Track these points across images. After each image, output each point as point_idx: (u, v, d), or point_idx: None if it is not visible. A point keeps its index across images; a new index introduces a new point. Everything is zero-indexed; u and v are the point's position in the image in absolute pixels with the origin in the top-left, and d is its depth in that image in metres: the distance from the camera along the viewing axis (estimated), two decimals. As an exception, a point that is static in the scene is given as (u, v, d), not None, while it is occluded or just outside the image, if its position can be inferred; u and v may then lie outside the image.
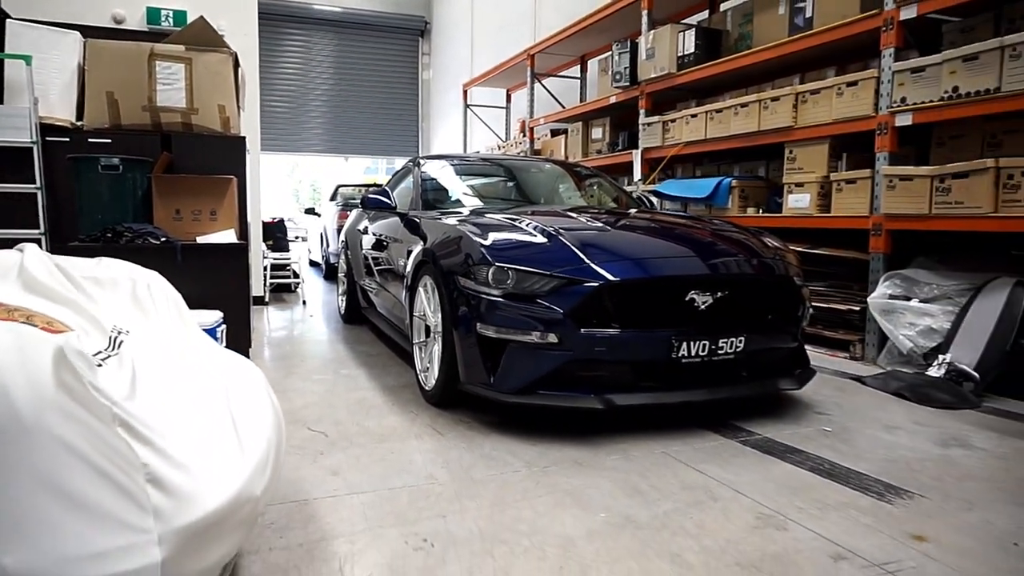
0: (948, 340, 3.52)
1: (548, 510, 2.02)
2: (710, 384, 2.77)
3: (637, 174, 6.13)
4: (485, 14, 11.66)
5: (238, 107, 4.39)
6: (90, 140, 3.98)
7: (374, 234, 4.51)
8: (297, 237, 9.66)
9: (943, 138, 4.02)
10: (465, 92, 10.88)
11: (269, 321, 5.80)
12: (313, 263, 11.01)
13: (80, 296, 1.64)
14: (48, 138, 3.96)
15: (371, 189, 4.83)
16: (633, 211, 4.01)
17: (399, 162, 9.90)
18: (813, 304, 4.38)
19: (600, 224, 3.23)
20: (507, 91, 10.43)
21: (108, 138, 4.01)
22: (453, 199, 4.34)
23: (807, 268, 4.46)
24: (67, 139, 3.99)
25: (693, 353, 2.65)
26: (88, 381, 0.97)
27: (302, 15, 13.57)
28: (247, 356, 2.65)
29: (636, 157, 6.16)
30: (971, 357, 3.38)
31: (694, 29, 5.56)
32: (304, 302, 6.97)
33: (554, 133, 8.24)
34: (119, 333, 1.55)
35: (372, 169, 20.40)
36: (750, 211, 5.02)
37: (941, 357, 3.48)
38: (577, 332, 2.58)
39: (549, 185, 4.71)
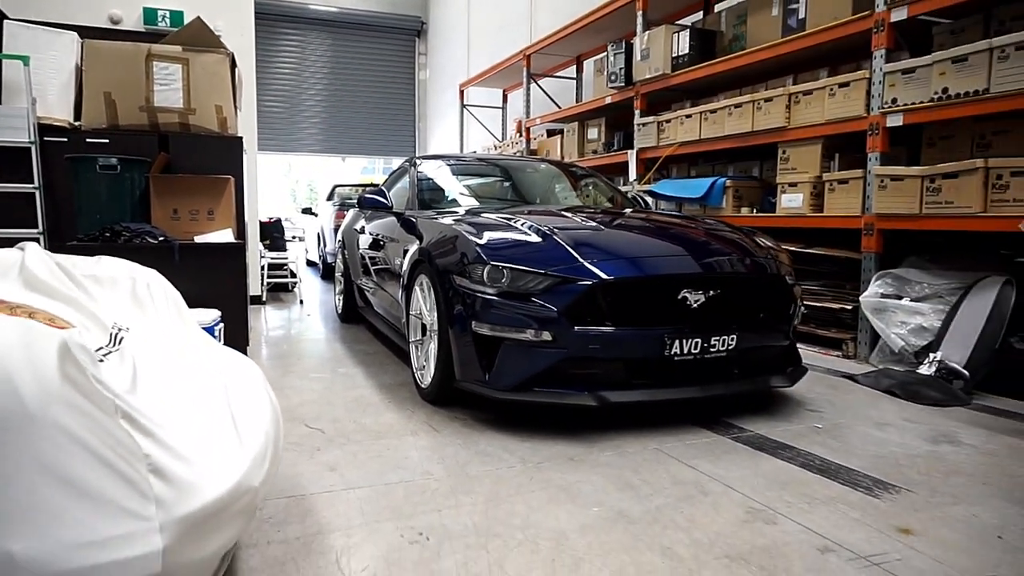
0: (939, 338, 3.57)
1: (542, 505, 2.05)
2: (703, 381, 2.80)
3: (632, 174, 6.17)
4: (482, 15, 11.70)
5: (235, 107, 4.41)
6: (88, 140, 4.01)
7: (371, 234, 4.54)
8: (294, 237, 9.68)
9: (934, 139, 4.06)
10: (461, 92, 10.91)
11: (267, 320, 5.83)
12: (310, 263, 11.03)
13: (80, 294, 1.67)
14: (46, 138, 3.98)
15: (368, 189, 4.85)
16: (628, 211, 4.04)
17: (396, 162, 9.93)
18: (806, 303, 4.43)
19: (594, 224, 3.26)
20: (503, 91, 10.47)
21: (106, 138, 4.03)
22: (449, 199, 4.37)
23: (800, 267, 4.51)
24: (65, 139, 4.01)
25: (686, 351, 2.69)
26: (92, 374, 1.00)
27: (298, 15, 13.59)
28: (245, 355, 2.68)
29: (631, 157, 6.20)
30: (961, 355, 3.42)
31: (689, 30, 5.60)
32: (301, 301, 7.00)
33: (550, 133, 8.28)
34: (119, 330, 1.58)
35: (369, 169, 20.44)
36: (744, 211, 5.06)
37: (932, 355, 3.52)
38: (571, 330, 2.61)
39: (545, 185, 4.75)
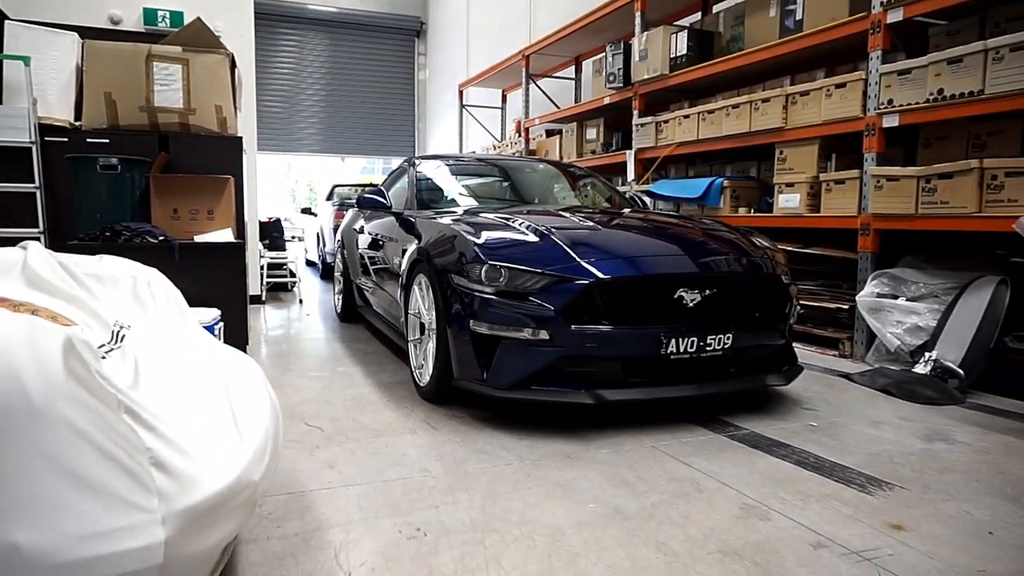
0: (934, 338, 3.59)
1: (539, 501, 2.08)
2: (699, 380, 2.83)
3: (631, 174, 6.20)
4: (481, 15, 11.72)
5: (235, 107, 4.43)
6: (88, 140, 4.03)
7: (370, 233, 4.56)
8: (294, 237, 9.70)
9: (930, 139, 4.08)
10: (461, 92, 10.94)
11: (266, 320, 5.85)
12: (310, 263, 11.05)
13: (82, 292, 1.69)
14: (47, 138, 4.00)
15: (367, 189, 4.87)
16: (626, 211, 4.07)
17: (395, 162, 9.95)
18: (803, 303, 4.45)
19: (592, 223, 3.29)
20: (503, 91, 10.49)
21: (106, 138, 4.05)
22: (448, 199, 4.39)
23: (797, 267, 4.54)
24: (66, 139, 4.03)
25: (682, 349, 2.71)
26: (95, 370, 1.03)
27: (298, 15, 13.61)
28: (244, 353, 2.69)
29: (630, 157, 6.22)
30: (956, 354, 3.45)
31: (687, 31, 5.63)
32: (301, 301, 7.02)
33: (549, 133, 8.30)
34: (121, 328, 1.60)
35: (368, 169, 20.45)
36: (741, 211, 5.09)
37: (927, 354, 3.55)
38: (568, 329, 2.63)
39: (543, 185, 4.77)
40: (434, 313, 3.04)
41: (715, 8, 6.03)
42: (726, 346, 2.79)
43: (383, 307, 4.27)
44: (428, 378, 3.13)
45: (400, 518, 1.95)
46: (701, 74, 5.39)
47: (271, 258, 7.20)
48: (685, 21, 6.38)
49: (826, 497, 2.13)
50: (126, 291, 1.88)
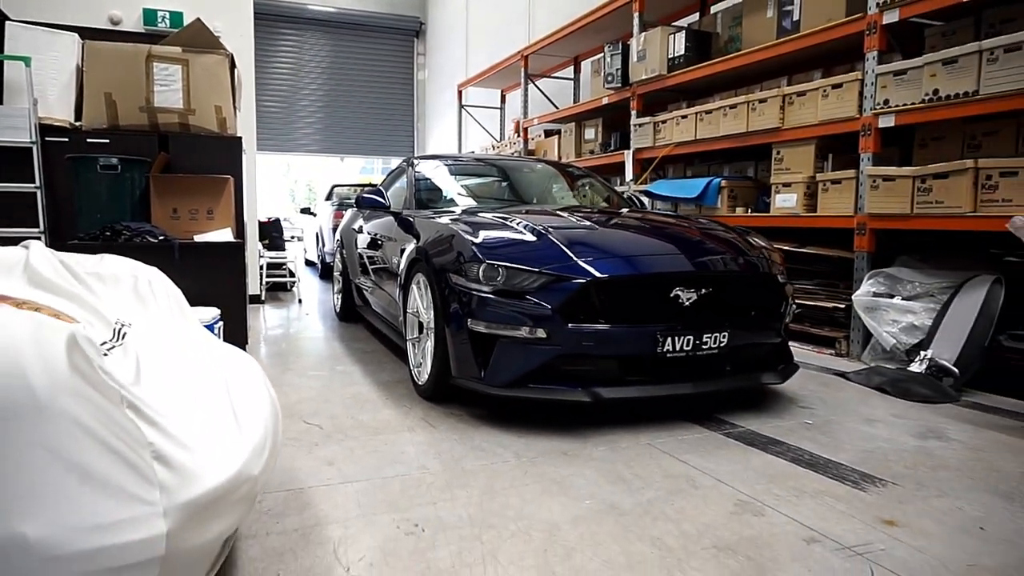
0: (929, 336, 3.61)
1: (535, 497, 2.10)
2: (695, 378, 2.85)
3: (629, 174, 6.22)
4: (480, 15, 11.74)
5: (234, 108, 4.46)
6: (88, 140, 4.05)
7: (369, 233, 4.59)
8: (293, 237, 9.72)
9: (925, 139, 4.11)
10: (460, 92, 10.96)
11: (265, 319, 5.87)
12: (309, 262, 11.07)
13: (84, 291, 1.71)
14: (47, 138, 4.02)
15: (366, 189, 4.90)
16: (623, 211, 4.09)
17: (395, 162, 9.97)
18: (800, 302, 4.48)
19: (589, 223, 3.31)
20: (502, 92, 10.51)
21: (106, 138, 4.07)
22: (446, 198, 4.41)
23: (795, 267, 4.57)
24: (66, 139, 4.06)
25: (678, 348, 2.73)
26: (98, 365, 1.05)
27: (297, 15, 13.63)
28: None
29: (628, 157, 6.24)
30: (951, 353, 3.47)
31: (684, 31, 5.65)
32: (300, 300, 7.04)
33: (548, 133, 8.33)
34: (122, 326, 1.62)
35: (368, 169, 20.47)
36: (739, 211, 5.11)
37: (923, 353, 3.57)
38: (565, 327, 2.65)
39: (541, 185, 4.79)
40: (432, 312, 3.06)
41: (713, 9, 6.05)
42: (722, 344, 2.81)
43: (382, 306, 4.29)
44: (426, 376, 3.15)
45: (398, 514, 1.97)
46: (699, 74, 5.42)
47: (270, 258, 7.22)
48: (683, 22, 6.41)
49: (820, 493, 2.15)
50: (127, 290, 1.90)
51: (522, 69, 8.58)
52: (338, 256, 5.69)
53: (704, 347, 2.78)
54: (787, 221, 4.62)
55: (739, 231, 3.45)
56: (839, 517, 1.98)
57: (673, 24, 6.16)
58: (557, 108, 8.32)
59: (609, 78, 6.41)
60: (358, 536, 1.84)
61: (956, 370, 3.40)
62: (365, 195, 4.30)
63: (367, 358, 4.20)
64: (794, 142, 4.60)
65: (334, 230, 7.48)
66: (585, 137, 7.31)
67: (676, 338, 2.72)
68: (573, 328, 2.66)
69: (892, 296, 3.88)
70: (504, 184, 4.76)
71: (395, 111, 14.68)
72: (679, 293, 2.78)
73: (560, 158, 7.52)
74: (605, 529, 1.89)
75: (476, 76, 10.25)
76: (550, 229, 3.04)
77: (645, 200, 5.36)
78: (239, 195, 4.42)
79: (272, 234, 7.58)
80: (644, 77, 5.94)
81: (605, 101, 6.67)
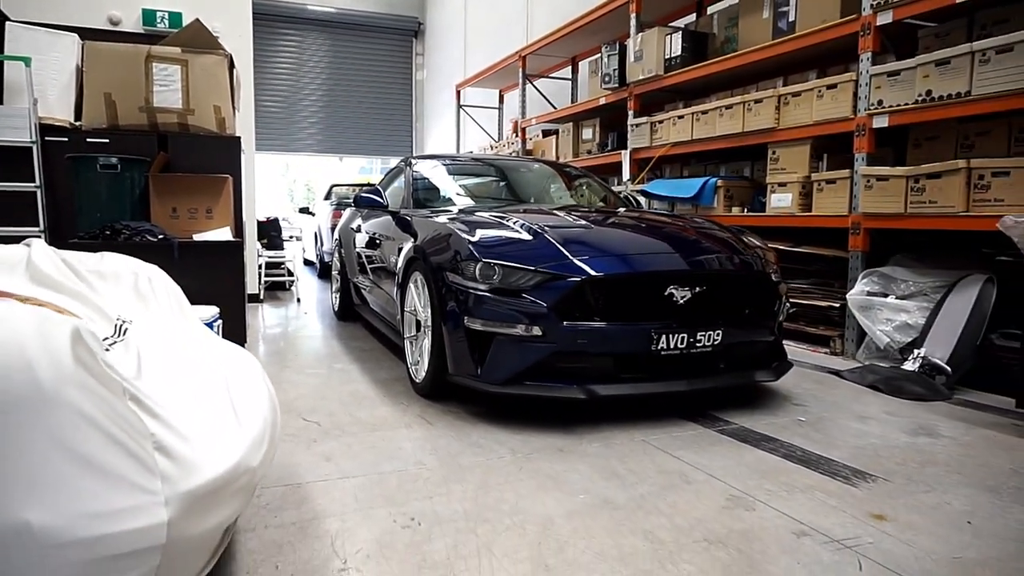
0: (923, 335, 3.65)
1: (530, 492, 2.13)
2: (689, 375, 2.88)
3: (626, 174, 6.25)
4: (478, 15, 11.77)
5: (233, 108, 4.48)
6: (88, 140, 4.08)
7: (367, 232, 4.61)
8: (292, 236, 9.74)
9: (919, 140, 4.14)
10: (458, 92, 10.99)
11: (264, 318, 5.89)
12: (308, 262, 11.10)
13: (85, 288, 1.74)
14: (47, 138, 4.05)
15: (364, 188, 4.93)
16: (620, 210, 4.12)
17: (393, 162, 10.00)
18: (795, 301, 4.51)
19: (585, 222, 3.34)
20: (500, 92, 10.54)
21: (106, 138, 4.10)
22: (444, 198, 4.44)
23: (790, 266, 4.60)
24: (66, 139, 4.08)
25: (672, 345, 2.76)
26: (102, 358, 1.08)
27: (296, 16, 13.65)
28: (243, 348, 2.74)
29: (625, 157, 6.27)
30: (944, 351, 3.50)
31: (681, 32, 5.69)
32: (299, 300, 7.06)
33: (545, 133, 8.36)
34: (123, 322, 1.65)
35: (367, 169, 20.49)
36: (735, 210, 5.14)
37: (916, 351, 3.60)
38: (560, 325, 2.69)
39: (539, 185, 4.82)
40: (429, 310, 3.09)
41: (709, 10, 6.09)
42: (716, 342, 2.85)
43: (380, 305, 4.32)
44: (424, 374, 3.18)
45: (395, 508, 2.00)
46: (695, 75, 5.45)
47: (269, 257, 7.25)
48: (680, 22, 6.44)
49: (811, 488, 2.18)
50: (128, 287, 1.92)
51: (520, 69, 8.62)
52: (336, 255, 5.72)
53: (698, 345, 2.81)
54: (783, 220, 4.65)
55: (734, 230, 3.48)
56: (829, 511, 2.01)
57: (670, 25, 6.19)
58: (555, 108, 8.35)
59: (606, 78, 6.44)
60: (355, 529, 1.87)
61: (949, 368, 3.43)
62: (363, 195, 4.33)
63: (365, 356, 4.23)
64: (789, 142, 4.63)
65: (332, 229, 7.50)
66: (583, 137, 7.34)
67: (670, 336, 2.75)
68: (568, 326, 2.69)
69: (886, 295, 3.91)
70: (502, 184, 4.79)
71: (394, 111, 14.71)
72: (674, 291, 2.81)
73: (558, 158, 7.55)
74: (599, 523, 1.92)
75: (474, 76, 10.28)
76: (546, 228, 3.07)
77: (642, 200, 5.40)
78: (238, 194, 4.45)
79: (271, 233, 7.61)
80: (641, 77, 5.97)
81: (602, 101, 6.70)
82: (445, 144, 12.96)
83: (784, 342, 3.42)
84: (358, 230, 4.90)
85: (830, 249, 4.44)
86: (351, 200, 5.31)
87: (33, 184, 4.00)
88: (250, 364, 1.85)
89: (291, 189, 29.12)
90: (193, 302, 2.27)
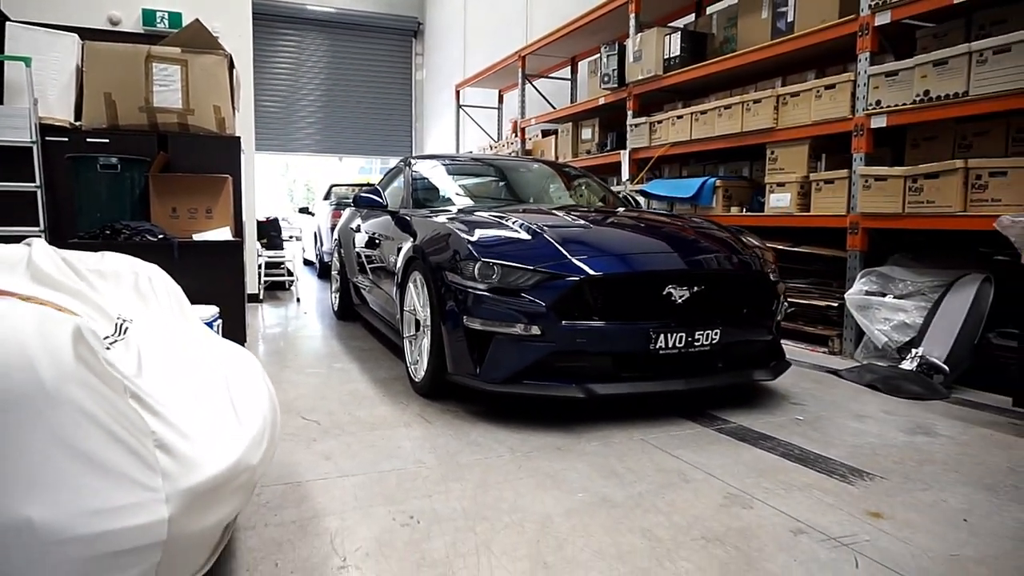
0: (920, 334, 3.66)
1: (529, 491, 2.14)
2: (687, 375, 2.89)
3: (625, 174, 6.26)
4: (478, 15, 11.78)
5: (233, 108, 4.49)
6: (88, 140, 4.09)
7: (366, 232, 4.62)
8: (291, 236, 9.75)
9: (917, 140, 4.15)
10: (458, 92, 11.00)
11: (264, 318, 5.90)
12: (307, 262, 11.10)
13: (86, 287, 1.74)
14: (47, 138, 4.06)
15: (364, 188, 4.94)
16: (619, 210, 4.13)
17: (393, 162, 10.01)
18: (794, 300, 4.52)
19: (583, 222, 3.35)
20: (499, 92, 10.55)
21: (106, 138, 4.11)
22: (443, 198, 4.45)
23: (788, 266, 4.61)
24: (66, 139, 4.09)
25: (670, 345, 2.77)
26: (103, 356, 1.09)
27: (296, 16, 13.66)
28: (243, 348, 2.75)
29: (624, 157, 6.28)
30: (941, 351, 3.51)
31: (680, 32, 5.70)
32: (298, 299, 7.07)
33: (545, 133, 8.36)
34: (124, 321, 1.66)
35: (366, 169, 20.51)
36: (734, 210, 5.15)
37: (914, 351, 3.61)
38: (559, 324, 2.69)
39: (538, 185, 4.83)
40: (429, 310, 3.10)
41: (708, 10, 6.10)
42: (714, 342, 2.86)
43: (379, 305, 4.33)
44: (423, 373, 3.19)
45: (394, 506, 2.01)
46: (694, 75, 5.46)
47: (269, 257, 7.25)
48: (679, 23, 6.45)
49: (808, 487, 2.19)
50: (128, 286, 1.93)
51: (520, 69, 8.63)
52: (336, 255, 5.73)
53: (696, 344, 2.82)
54: (781, 220, 4.66)
55: (732, 230, 3.49)
56: (826, 509, 2.02)
57: (669, 25, 6.20)
58: (554, 108, 8.36)
59: (606, 78, 6.45)
60: (355, 528, 1.88)
61: (946, 367, 3.44)
62: (363, 195, 4.34)
63: (364, 356, 4.24)
64: (788, 142, 4.64)
65: (332, 229, 7.51)
66: (582, 137, 7.35)
67: (669, 335, 2.76)
68: (567, 325, 2.70)
69: (884, 294, 3.92)
70: (501, 184, 4.80)
71: (393, 111, 14.72)
72: (672, 291, 2.82)
73: (557, 158, 7.56)
74: (597, 521, 1.93)
75: (474, 76, 10.29)
76: (545, 228, 3.08)
77: (641, 200, 5.41)
78: (238, 194, 4.46)
79: (270, 233, 7.62)
80: (640, 77, 5.98)
81: (602, 101, 6.71)
82: (444, 144, 12.97)
83: (782, 341, 3.43)
84: (357, 230, 4.91)
85: (828, 249, 4.45)
86: (350, 200, 5.33)
87: (33, 184, 4.01)
88: (250, 363, 1.86)
89: (291, 189, 29.14)
90: (193, 302, 2.28)
